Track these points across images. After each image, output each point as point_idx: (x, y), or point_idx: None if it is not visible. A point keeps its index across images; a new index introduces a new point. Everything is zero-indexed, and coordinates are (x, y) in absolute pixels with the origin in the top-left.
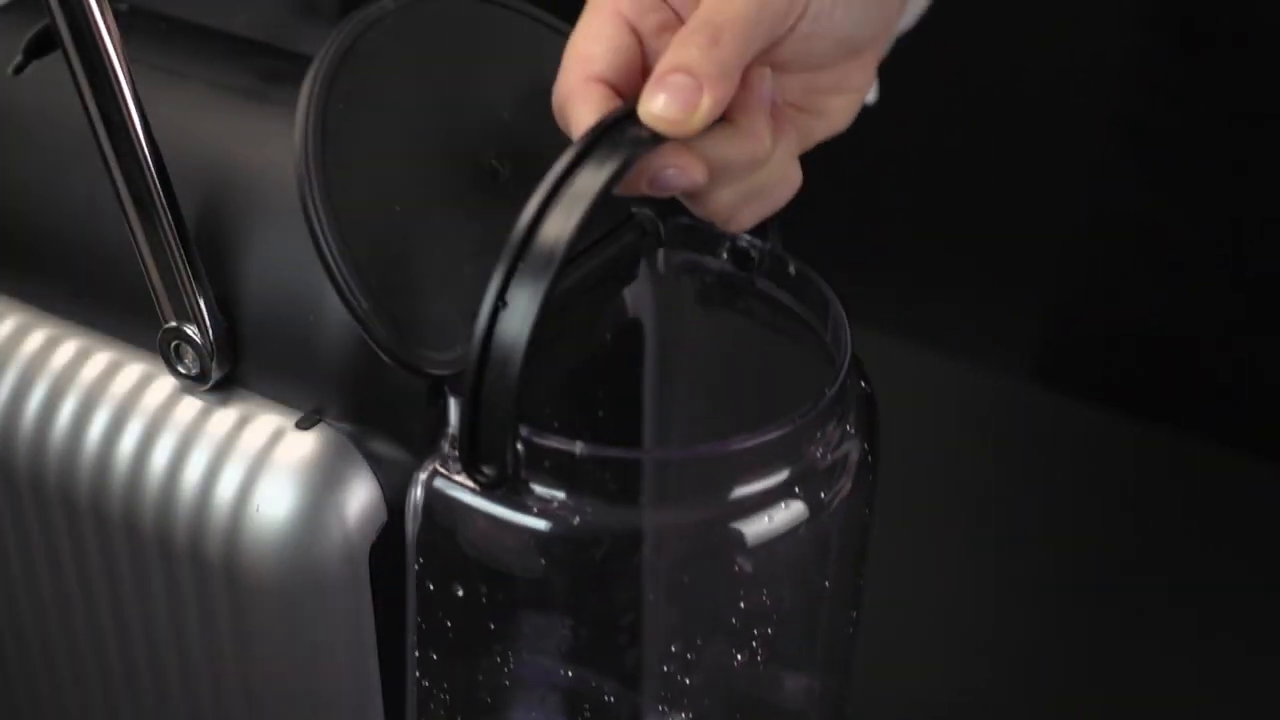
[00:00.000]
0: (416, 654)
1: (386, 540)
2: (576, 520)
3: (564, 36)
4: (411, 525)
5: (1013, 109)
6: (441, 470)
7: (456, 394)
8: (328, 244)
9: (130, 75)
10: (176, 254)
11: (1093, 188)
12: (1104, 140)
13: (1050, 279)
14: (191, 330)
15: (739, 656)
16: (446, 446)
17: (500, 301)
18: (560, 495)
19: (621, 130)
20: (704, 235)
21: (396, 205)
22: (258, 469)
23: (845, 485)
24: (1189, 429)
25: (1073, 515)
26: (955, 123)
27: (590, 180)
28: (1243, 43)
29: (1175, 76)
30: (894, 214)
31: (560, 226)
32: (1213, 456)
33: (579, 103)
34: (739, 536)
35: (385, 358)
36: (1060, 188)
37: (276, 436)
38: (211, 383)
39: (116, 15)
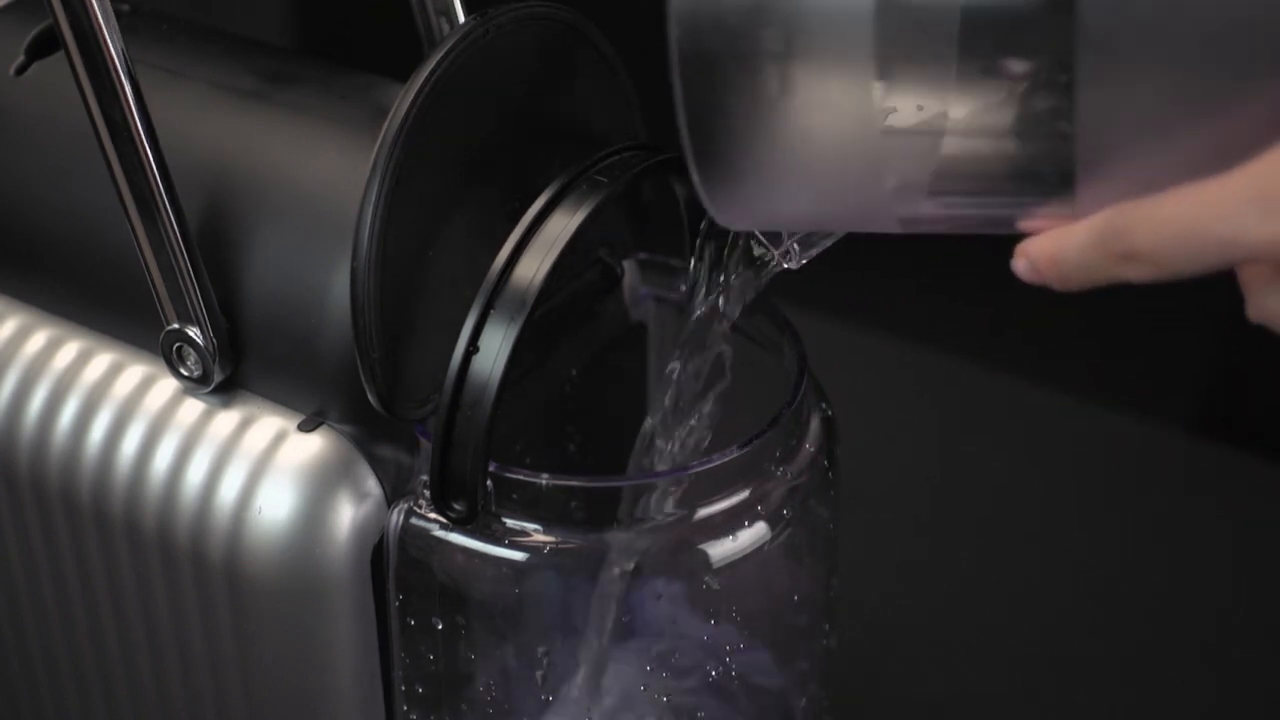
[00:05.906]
0: (403, 688)
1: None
2: (547, 549)
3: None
4: (389, 561)
5: None
6: (415, 508)
7: (427, 436)
8: (366, 282)
9: (132, 76)
10: (178, 255)
11: None
12: None
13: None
14: (194, 332)
15: (715, 673)
16: (420, 485)
17: (472, 347)
18: (530, 525)
19: (592, 176)
20: (664, 269)
21: (430, 251)
22: (260, 471)
23: (807, 501)
24: (1182, 424)
25: (1073, 513)
26: None
27: (561, 225)
28: None
29: None
30: None
31: (532, 272)
32: (1211, 453)
33: None
34: (704, 556)
35: (377, 405)
36: None
37: (279, 439)
38: (214, 385)
39: (118, 16)
